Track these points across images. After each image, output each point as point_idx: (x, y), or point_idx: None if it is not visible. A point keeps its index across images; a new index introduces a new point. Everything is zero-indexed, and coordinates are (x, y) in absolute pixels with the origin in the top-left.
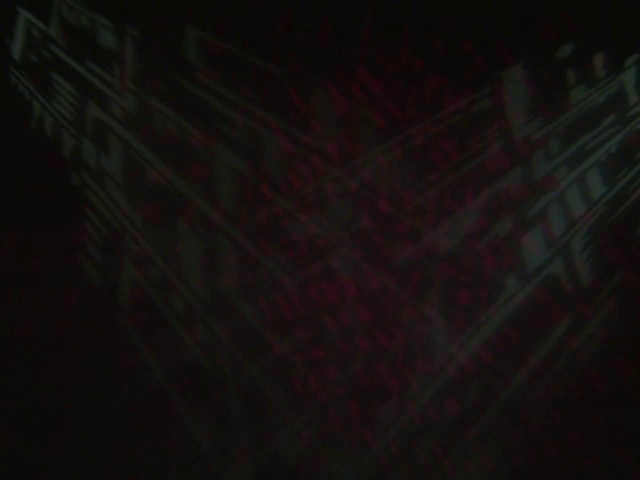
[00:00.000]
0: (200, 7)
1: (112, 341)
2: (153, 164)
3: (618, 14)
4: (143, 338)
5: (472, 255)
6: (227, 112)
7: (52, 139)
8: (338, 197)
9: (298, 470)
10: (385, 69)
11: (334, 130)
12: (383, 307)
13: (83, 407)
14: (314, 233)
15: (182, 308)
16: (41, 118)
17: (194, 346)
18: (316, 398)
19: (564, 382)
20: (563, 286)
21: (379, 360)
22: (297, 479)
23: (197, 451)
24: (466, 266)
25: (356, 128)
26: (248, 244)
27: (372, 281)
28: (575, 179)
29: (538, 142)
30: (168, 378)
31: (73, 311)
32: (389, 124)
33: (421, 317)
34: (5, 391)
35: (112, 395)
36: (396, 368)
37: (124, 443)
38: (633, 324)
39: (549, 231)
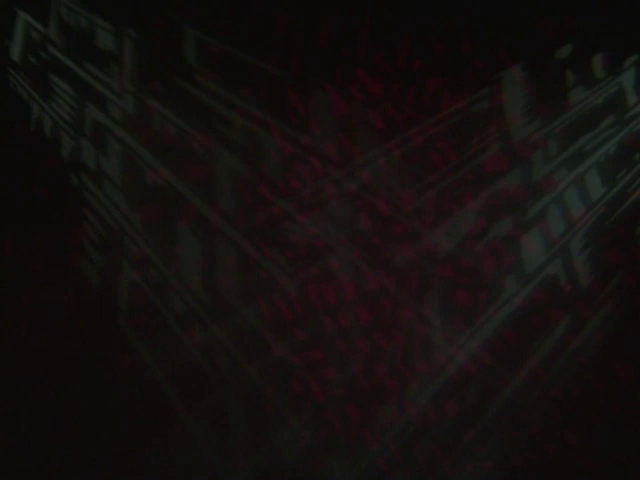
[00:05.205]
0: (199, 8)
1: (111, 342)
2: (152, 165)
3: (618, 14)
4: (142, 339)
5: (471, 256)
6: (226, 113)
7: (51, 140)
8: (337, 198)
9: (298, 470)
10: (384, 70)
11: (333, 131)
12: (382, 308)
13: (83, 407)
14: (313, 234)
15: (181, 309)
16: (40, 120)
17: (193, 347)
18: (315, 399)
19: (563, 383)
20: (562, 287)
21: (378, 361)
22: (297, 479)
23: (197, 451)
24: (465, 267)
25: (355, 129)
26: (247, 245)
27: (371, 282)
28: (574, 180)
29: (537, 143)
30: (168, 379)
31: (73, 312)
32: (388, 125)
33: (420, 318)
34: (5, 391)
35: (112, 395)
36: (395, 369)
37: (124, 443)
38: (633, 324)
39: (548, 232)
